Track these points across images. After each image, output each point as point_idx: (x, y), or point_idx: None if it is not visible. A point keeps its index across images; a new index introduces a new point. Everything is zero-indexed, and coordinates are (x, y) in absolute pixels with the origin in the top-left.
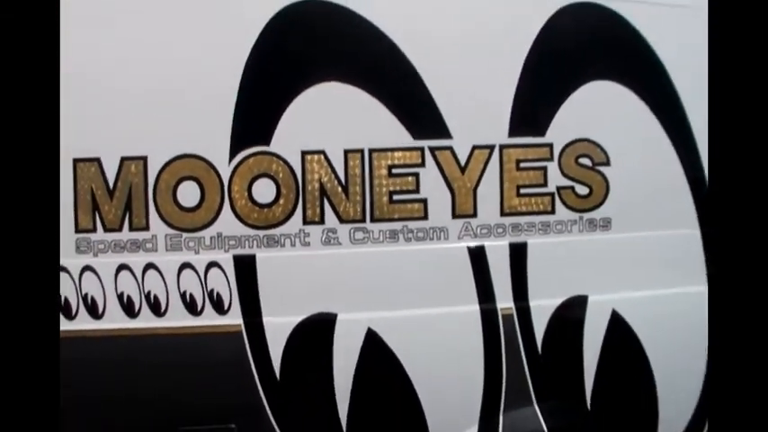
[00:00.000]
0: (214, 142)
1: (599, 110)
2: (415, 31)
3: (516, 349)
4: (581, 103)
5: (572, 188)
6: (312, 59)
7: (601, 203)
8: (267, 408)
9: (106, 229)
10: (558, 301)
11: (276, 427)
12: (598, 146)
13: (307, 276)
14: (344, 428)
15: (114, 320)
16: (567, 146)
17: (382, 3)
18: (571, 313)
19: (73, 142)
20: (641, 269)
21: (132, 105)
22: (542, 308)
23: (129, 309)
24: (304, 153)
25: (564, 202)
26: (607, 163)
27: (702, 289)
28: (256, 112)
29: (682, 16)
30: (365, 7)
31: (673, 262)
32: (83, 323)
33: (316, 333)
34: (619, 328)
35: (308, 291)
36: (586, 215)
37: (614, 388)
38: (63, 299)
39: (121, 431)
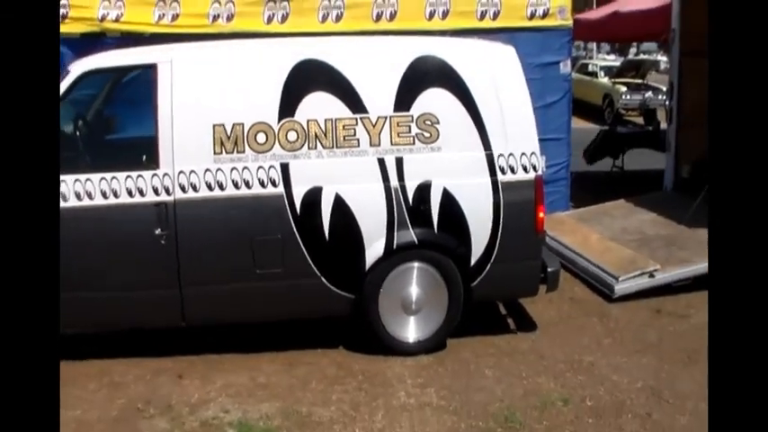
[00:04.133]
0: (271, 116)
1: (434, 99)
2: (355, 67)
3: (400, 203)
4: (426, 97)
5: (422, 134)
6: (308, 83)
7: (436, 140)
8: (294, 228)
9: (226, 153)
10: (418, 182)
11: (298, 237)
12: (434, 115)
13: (309, 170)
14: (327, 236)
15: (230, 190)
16: (419, 116)
17: (337, 53)
18: (425, 188)
19: (213, 116)
20: (457, 168)
21: (237, 103)
22: (411, 185)
23: (235, 185)
24: (308, 120)
25: (419, 140)
26: (438, 123)
27: (485, 180)
28: (288, 104)
29: (476, 53)
30: (333, 60)
31: (471, 165)
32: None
33: (314, 194)
34: (447, 195)
35: (309, 176)
36: (429, 145)
37: (447, 222)
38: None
39: (228, 232)
